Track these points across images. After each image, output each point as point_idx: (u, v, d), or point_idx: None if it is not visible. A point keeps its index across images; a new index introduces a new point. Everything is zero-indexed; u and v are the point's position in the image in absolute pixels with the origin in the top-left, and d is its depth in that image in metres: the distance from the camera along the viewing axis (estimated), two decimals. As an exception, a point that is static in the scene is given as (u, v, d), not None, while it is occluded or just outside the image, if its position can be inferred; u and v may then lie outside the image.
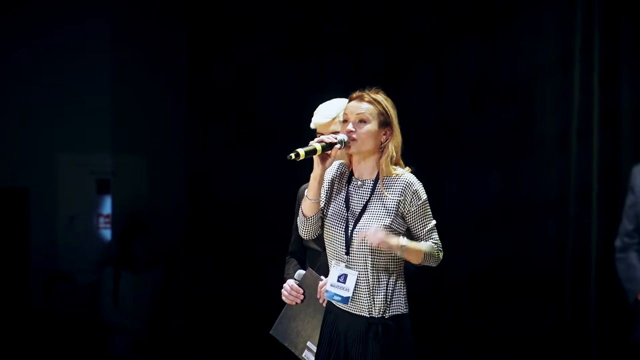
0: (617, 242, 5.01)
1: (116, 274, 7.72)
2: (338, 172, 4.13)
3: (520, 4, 6.49)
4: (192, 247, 8.02)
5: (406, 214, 3.98)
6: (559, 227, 6.25)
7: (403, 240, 3.92)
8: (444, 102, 6.80)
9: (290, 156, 3.95)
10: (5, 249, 7.75)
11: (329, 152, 4.01)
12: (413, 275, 4.08)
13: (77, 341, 7.38)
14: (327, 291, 4.02)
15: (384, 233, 3.91)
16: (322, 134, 4.22)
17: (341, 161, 4.13)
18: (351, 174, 4.10)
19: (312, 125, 4.32)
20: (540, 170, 6.38)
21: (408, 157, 4.11)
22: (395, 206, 3.96)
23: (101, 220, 8.11)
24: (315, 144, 3.99)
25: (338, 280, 4.00)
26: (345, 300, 3.98)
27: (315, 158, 4.00)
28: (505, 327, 6.41)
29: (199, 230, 7.95)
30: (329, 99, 4.34)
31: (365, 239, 3.93)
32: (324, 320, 4.08)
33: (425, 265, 4.01)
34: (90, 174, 8.11)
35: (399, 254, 3.93)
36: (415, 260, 3.96)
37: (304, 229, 4.10)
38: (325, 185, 4.11)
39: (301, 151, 3.96)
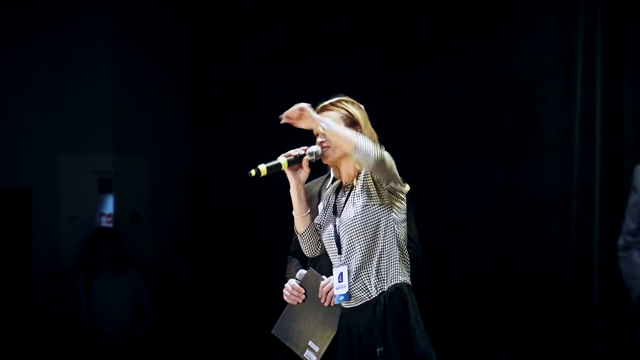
0: (620, 241, 5.00)
1: (87, 281, 7.69)
2: (329, 185, 4.18)
3: (522, 4, 6.49)
4: (192, 247, 8.02)
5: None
6: (561, 226, 6.25)
7: (326, 122, 3.86)
8: (445, 102, 6.80)
9: (251, 173, 3.93)
10: (7, 248, 7.75)
11: (301, 164, 4.00)
12: (414, 275, 4.08)
13: (77, 341, 7.37)
14: (334, 296, 4.05)
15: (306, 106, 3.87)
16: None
17: (333, 176, 4.17)
18: (341, 183, 4.12)
19: (312, 125, 4.31)
20: (543, 170, 6.38)
21: (409, 157, 4.11)
22: (367, 184, 3.95)
23: (103, 219, 8.10)
24: (280, 159, 3.99)
25: (339, 281, 4.03)
26: (346, 296, 4.00)
27: (288, 172, 4.01)
28: (507, 326, 6.41)
29: (199, 230, 7.95)
30: (330, 99, 4.33)
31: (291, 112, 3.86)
32: (338, 329, 4.08)
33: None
34: (92, 174, 8.10)
35: (320, 129, 3.87)
36: (346, 144, 3.85)
37: (303, 246, 4.15)
38: (319, 201, 4.16)
39: (262, 167, 3.94)
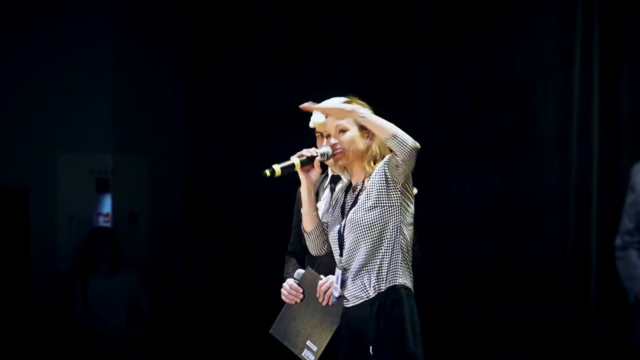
0: (618, 241, 5.01)
1: (83, 281, 7.69)
2: (339, 185, 4.19)
3: (521, 4, 6.48)
4: (192, 247, 8.02)
5: (390, 169, 3.95)
6: (559, 226, 6.24)
7: (364, 111, 3.90)
8: (444, 102, 6.79)
9: (265, 173, 3.96)
10: (5, 248, 7.75)
11: (313, 165, 4.03)
12: (414, 274, 4.08)
13: (76, 341, 7.37)
14: (332, 295, 4.10)
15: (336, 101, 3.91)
16: (321, 133, 4.23)
17: (332, 175, 4.19)
18: (350, 184, 4.14)
19: (311, 125, 4.33)
20: (541, 170, 6.37)
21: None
22: (379, 185, 3.95)
23: (101, 219, 8.10)
24: (293, 159, 4.02)
25: (336, 282, 4.08)
26: (335, 300, 4.05)
27: (300, 172, 4.04)
28: (505, 326, 6.40)
29: (198, 230, 7.95)
30: (329, 99, 4.34)
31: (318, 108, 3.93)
32: (339, 327, 4.11)
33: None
34: (90, 173, 8.11)
35: (358, 119, 3.90)
36: (383, 132, 3.87)
37: (310, 244, 4.17)
38: (327, 200, 4.18)
39: (277, 167, 3.98)
